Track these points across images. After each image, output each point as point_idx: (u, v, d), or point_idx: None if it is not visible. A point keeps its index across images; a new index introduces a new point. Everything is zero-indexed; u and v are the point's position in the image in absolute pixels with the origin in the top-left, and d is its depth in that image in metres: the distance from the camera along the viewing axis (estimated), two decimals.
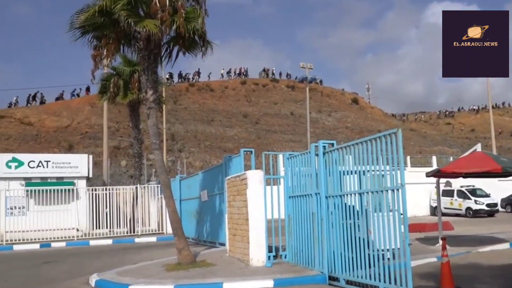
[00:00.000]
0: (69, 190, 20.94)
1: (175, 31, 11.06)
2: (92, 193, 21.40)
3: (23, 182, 21.51)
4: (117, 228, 21.35)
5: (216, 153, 52.83)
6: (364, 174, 7.61)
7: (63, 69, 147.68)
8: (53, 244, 18.69)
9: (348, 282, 7.77)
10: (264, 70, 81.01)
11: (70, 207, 20.60)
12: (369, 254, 7.25)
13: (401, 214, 6.66)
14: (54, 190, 20.36)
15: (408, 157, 31.38)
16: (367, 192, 7.47)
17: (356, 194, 7.78)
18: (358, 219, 7.69)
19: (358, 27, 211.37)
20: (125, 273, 10.01)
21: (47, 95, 59.99)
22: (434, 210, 28.11)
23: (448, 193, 27.51)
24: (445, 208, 26.56)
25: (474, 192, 26.95)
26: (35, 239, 19.13)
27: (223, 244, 12.87)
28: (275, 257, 10.10)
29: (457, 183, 26.82)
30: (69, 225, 20.16)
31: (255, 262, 9.70)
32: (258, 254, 9.73)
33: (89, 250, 16.65)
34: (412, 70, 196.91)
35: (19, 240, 18.92)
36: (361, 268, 7.40)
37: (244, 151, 12.23)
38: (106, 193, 21.44)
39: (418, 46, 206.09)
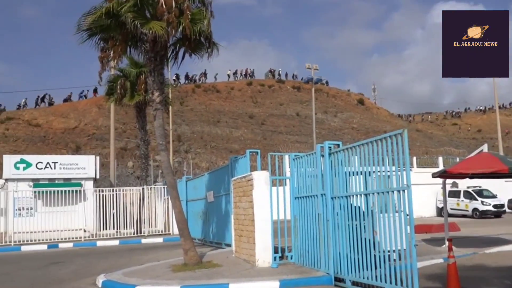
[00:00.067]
0: (76, 191, 21.08)
1: (181, 32, 11.11)
2: (99, 194, 21.51)
3: (31, 183, 21.68)
4: (124, 229, 21.45)
5: (222, 154, 52.93)
6: (370, 175, 7.60)
7: (71, 71, 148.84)
8: (61, 245, 18.81)
9: (354, 283, 7.77)
10: (270, 71, 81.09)
11: (77, 208, 20.72)
12: (375, 255, 7.25)
13: (407, 215, 6.65)
14: (61, 191, 20.48)
15: (414, 158, 31.28)
16: (373, 193, 7.47)
17: (362, 195, 7.77)
18: (364, 220, 7.68)
19: (364, 28, 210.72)
20: (131, 273, 10.06)
21: (56, 97, 60.49)
22: (440, 211, 27.98)
23: (455, 194, 27.41)
24: (451, 209, 26.47)
25: (480, 193, 26.82)
26: (42, 240, 19.25)
27: (229, 245, 12.90)
28: (281, 258, 10.10)
29: (464, 184, 26.72)
30: (76, 226, 20.30)
31: (261, 263, 9.72)
32: (264, 255, 9.75)
33: (96, 251, 16.75)
34: (418, 71, 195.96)
35: (27, 241, 19.05)
36: (367, 269, 7.39)
37: (250, 152, 12.25)
38: (113, 194, 21.54)
39: (424, 46, 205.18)
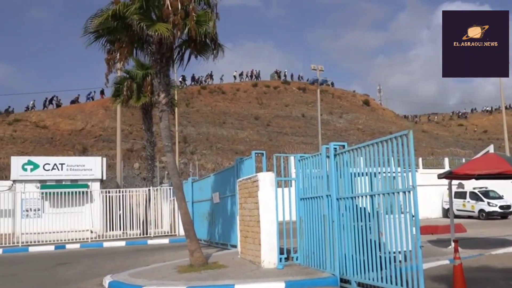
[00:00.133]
0: (83, 192, 21.21)
1: (186, 34, 11.15)
2: (106, 195, 21.62)
3: (39, 185, 21.83)
4: (130, 230, 21.54)
5: (228, 155, 52.99)
6: (375, 176, 7.60)
7: (79, 73, 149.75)
8: (68, 246, 18.91)
9: (360, 285, 7.77)
10: (276, 72, 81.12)
11: (84, 209, 20.85)
12: (380, 257, 7.25)
13: (413, 216, 6.65)
14: (68, 192, 20.61)
15: (420, 159, 31.17)
16: (379, 194, 7.47)
17: (368, 196, 7.77)
18: (369, 221, 7.68)
19: (369, 29, 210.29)
20: (138, 274, 10.11)
21: (64, 98, 60.79)
22: (446, 212, 27.85)
23: (461, 195, 27.27)
24: (457, 210, 26.35)
25: (487, 194, 26.66)
26: (50, 241, 19.38)
27: (235, 246, 12.93)
28: (287, 259, 10.11)
29: (470, 185, 26.54)
30: (83, 227, 20.43)
31: (266, 264, 9.74)
32: (269, 256, 9.77)
33: (102, 252, 16.84)
34: (424, 71, 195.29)
35: (35, 241, 19.17)
36: (372, 271, 7.39)
37: (256, 153, 12.29)
38: (119, 195, 21.64)
39: (430, 46, 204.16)
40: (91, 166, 23.14)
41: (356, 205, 7.96)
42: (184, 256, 12.04)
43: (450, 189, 13.87)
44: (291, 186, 10.65)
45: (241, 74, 76.63)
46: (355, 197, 8.01)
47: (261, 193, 9.90)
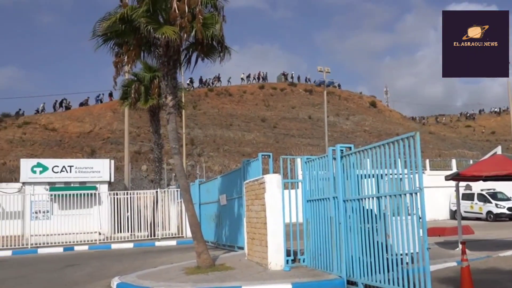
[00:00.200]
0: (91, 194, 21.35)
1: (193, 37, 11.20)
2: (114, 197, 21.74)
3: (47, 187, 21.98)
4: (138, 231, 21.63)
5: (235, 157, 53.08)
6: (382, 178, 7.59)
7: (88, 76, 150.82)
8: (76, 248, 19.01)
9: (367, 287, 7.76)
10: (283, 74, 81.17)
11: (92, 211, 21.00)
12: (387, 259, 7.23)
13: (420, 218, 6.64)
14: (77, 194, 20.75)
15: (427, 160, 31.05)
16: (385, 196, 7.45)
17: (374, 198, 7.75)
18: (376, 223, 7.67)
19: (376, 30, 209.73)
20: (145, 276, 10.17)
21: (73, 101, 61.53)
22: (454, 214, 27.68)
23: (468, 197, 27.11)
24: (465, 212, 26.18)
25: (494, 195, 26.48)
26: (58, 243, 19.50)
27: (242, 248, 12.95)
28: (293, 261, 10.11)
29: (477, 187, 26.37)
30: (91, 228, 20.56)
31: (273, 266, 9.75)
32: (276, 258, 9.78)
33: (111, 254, 16.93)
34: (431, 72, 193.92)
35: (44, 243, 19.32)
36: (379, 273, 7.38)
37: (262, 155, 12.30)
38: (127, 197, 21.74)
39: (437, 48, 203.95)
40: (99, 168, 23.29)
41: (363, 207, 7.95)
42: (191, 258, 12.08)
43: (457, 190, 13.76)
44: (297, 188, 10.65)
45: (248, 76, 76.88)
46: (361, 199, 8.00)
47: (267, 195, 9.92)
